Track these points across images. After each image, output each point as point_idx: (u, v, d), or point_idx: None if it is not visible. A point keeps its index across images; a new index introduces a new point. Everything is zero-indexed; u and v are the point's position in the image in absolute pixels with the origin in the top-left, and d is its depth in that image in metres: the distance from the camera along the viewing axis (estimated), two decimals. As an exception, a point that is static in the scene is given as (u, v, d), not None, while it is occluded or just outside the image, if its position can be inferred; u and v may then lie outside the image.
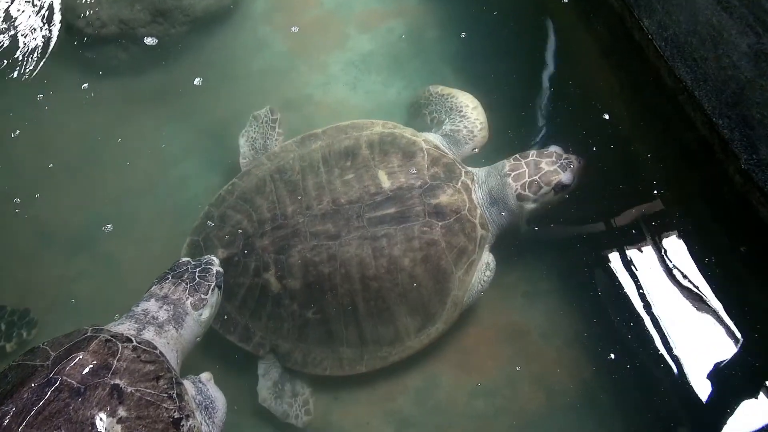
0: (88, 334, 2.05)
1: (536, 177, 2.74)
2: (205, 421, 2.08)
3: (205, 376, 2.28)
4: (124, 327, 2.18)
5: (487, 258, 2.75)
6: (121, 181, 3.16)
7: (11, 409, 1.83)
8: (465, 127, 2.99)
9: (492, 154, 2.99)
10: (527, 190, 2.74)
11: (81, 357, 1.95)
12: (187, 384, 2.14)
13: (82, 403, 1.85)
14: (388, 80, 3.48)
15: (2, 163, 3.16)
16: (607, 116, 3.07)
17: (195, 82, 3.40)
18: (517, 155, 2.83)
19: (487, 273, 2.75)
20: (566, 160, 2.77)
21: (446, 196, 2.70)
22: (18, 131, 3.21)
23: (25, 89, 3.34)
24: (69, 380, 1.89)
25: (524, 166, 2.77)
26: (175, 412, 1.96)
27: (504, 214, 2.80)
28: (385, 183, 2.71)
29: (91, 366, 1.94)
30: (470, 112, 3.02)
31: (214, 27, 3.56)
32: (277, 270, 2.63)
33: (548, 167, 2.74)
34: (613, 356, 2.66)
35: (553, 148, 2.85)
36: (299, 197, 2.73)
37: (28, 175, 3.12)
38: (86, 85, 3.34)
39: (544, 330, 2.83)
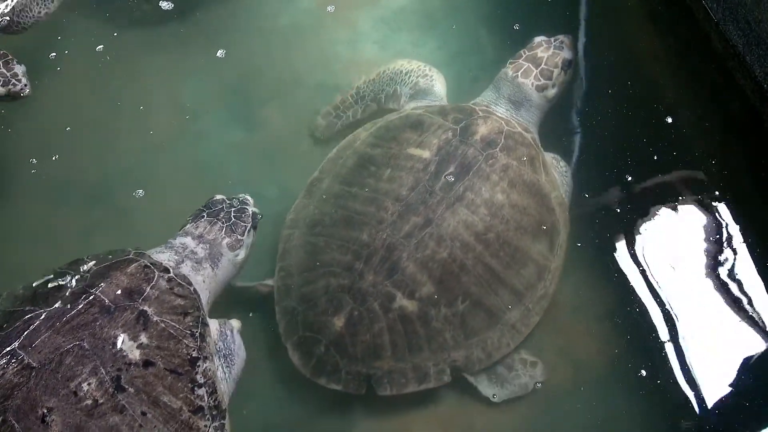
0: (130, 256, 2.15)
1: (543, 65, 2.95)
2: (222, 368, 2.12)
3: (236, 324, 2.31)
4: (165, 257, 2.25)
5: (548, 156, 2.86)
6: (140, 135, 3.16)
7: (43, 313, 1.93)
8: (421, 75, 3.12)
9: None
10: (542, 79, 2.93)
11: (118, 277, 2.04)
12: (213, 327, 2.18)
13: (108, 322, 1.93)
14: (420, 40, 3.45)
15: (21, 122, 3.16)
16: (650, 83, 3.01)
17: (218, 36, 3.40)
18: (511, 59, 3.02)
19: (562, 164, 2.90)
20: (557, 41, 3.00)
21: (481, 126, 2.75)
22: (36, 81, 3.21)
23: (40, 45, 3.35)
24: (102, 297, 1.97)
25: (526, 63, 2.97)
26: (194, 350, 2.01)
27: (533, 110, 2.98)
28: (425, 154, 2.71)
29: (125, 288, 2.02)
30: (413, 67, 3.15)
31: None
32: (402, 291, 2.52)
33: (546, 53, 2.97)
34: (644, 333, 2.64)
35: (538, 39, 3.05)
36: (361, 224, 2.63)
37: (45, 135, 3.13)
38: (101, 47, 3.33)
39: (574, 304, 2.80)
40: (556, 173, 2.84)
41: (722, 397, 2.50)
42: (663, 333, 2.63)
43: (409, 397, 2.51)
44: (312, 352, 2.53)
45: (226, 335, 2.21)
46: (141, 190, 2.90)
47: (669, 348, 2.60)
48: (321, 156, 3.10)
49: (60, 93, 3.20)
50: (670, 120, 2.98)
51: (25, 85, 2.81)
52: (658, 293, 2.69)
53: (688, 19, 2.98)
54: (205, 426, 1.97)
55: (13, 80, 2.78)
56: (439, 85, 3.08)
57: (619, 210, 2.91)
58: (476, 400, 2.59)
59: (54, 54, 3.31)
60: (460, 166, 2.65)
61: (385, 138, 2.84)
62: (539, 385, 2.59)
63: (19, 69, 2.81)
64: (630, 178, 2.93)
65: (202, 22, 3.46)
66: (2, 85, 2.75)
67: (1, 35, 3.08)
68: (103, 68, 3.28)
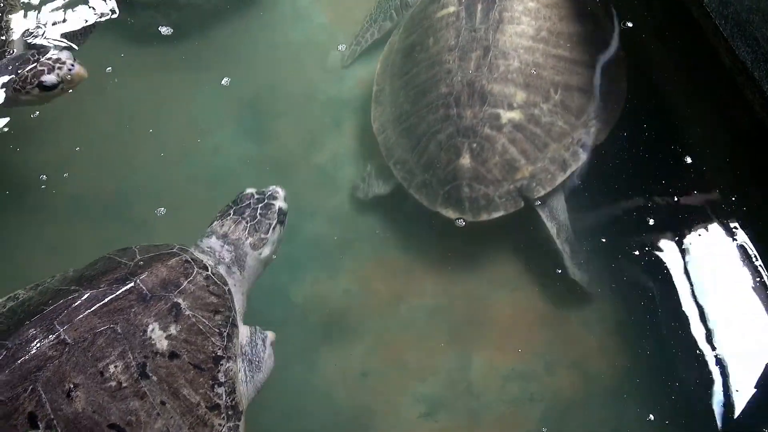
0: (174, 250, 2.26)
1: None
2: (245, 371, 2.21)
3: (270, 335, 2.38)
4: (204, 256, 2.34)
5: None
6: (152, 152, 3.27)
7: (87, 293, 2.04)
8: None
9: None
10: None
11: (159, 268, 2.15)
12: (243, 330, 2.27)
13: (143, 310, 2.03)
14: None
15: (29, 141, 3.25)
16: (658, 98, 3.09)
17: (230, 51, 3.53)
18: None
19: None
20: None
21: None
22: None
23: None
24: (141, 286, 2.08)
25: None
26: (219, 349, 2.11)
27: None
28: (451, 9, 3.02)
29: (163, 279, 2.13)
30: None
31: (255, -5, 3.67)
32: (502, 107, 2.81)
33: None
34: (656, 347, 2.71)
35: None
36: (435, 83, 2.94)
37: (59, 146, 3.23)
38: (110, 68, 3.40)
39: (584, 317, 2.89)
40: None
41: (735, 411, 2.55)
42: (675, 347, 2.70)
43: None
44: (461, 199, 2.85)
45: (256, 343, 2.29)
46: (163, 209, 2.99)
47: (681, 361, 2.67)
48: (333, 171, 3.24)
49: (69, 113, 3.26)
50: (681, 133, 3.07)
51: (72, 66, 2.77)
52: (670, 308, 2.76)
53: (697, 34, 3.06)
54: (220, 424, 2.06)
55: (58, 64, 2.77)
56: None
57: (630, 224, 2.99)
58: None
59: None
60: (485, 0, 2.97)
61: (413, 24, 3.19)
62: None
63: (63, 54, 2.80)
64: (639, 191, 3.01)
65: (214, 37, 3.58)
66: (51, 73, 2.74)
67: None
68: (113, 89, 3.35)
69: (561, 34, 2.94)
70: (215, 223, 2.49)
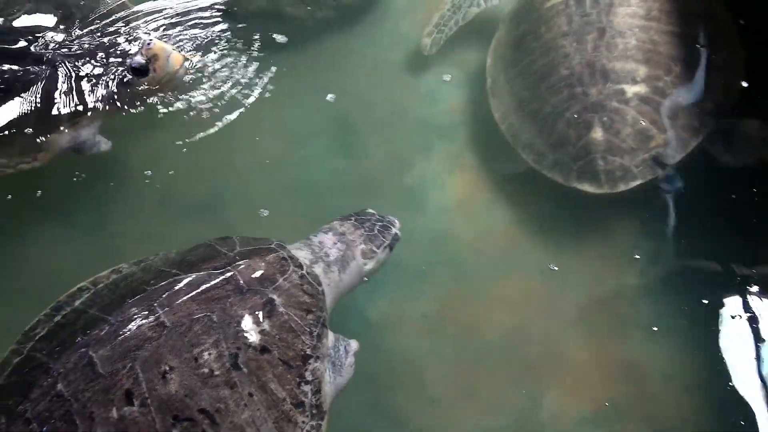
0: (272, 246, 2.33)
1: None
2: (329, 372, 2.25)
3: (354, 344, 2.42)
4: (302, 254, 2.41)
5: None
6: (248, 157, 3.37)
7: (187, 278, 2.12)
8: None
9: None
10: None
11: (257, 262, 2.21)
12: (331, 334, 2.31)
13: (239, 301, 2.09)
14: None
15: (135, 138, 3.36)
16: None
17: (330, 65, 3.62)
18: None
19: None
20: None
21: None
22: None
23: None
24: (239, 277, 2.14)
25: None
26: (309, 348, 2.15)
27: None
28: None
29: (260, 274, 2.18)
30: None
31: (358, 15, 3.78)
32: (626, 83, 2.93)
33: None
34: (739, 416, 2.60)
35: None
36: (554, 67, 3.07)
37: (166, 145, 3.32)
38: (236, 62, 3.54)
39: (665, 370, 2.82)
40: None
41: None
42: (758, 413, 2.60)
43: None
44: (596, 172, 2.94)
45: (339, 348, 2.33)
46: (266, 211, 3.07)
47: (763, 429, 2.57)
48: (420, 193, 3.28)
49: (174, 114, 3.35)
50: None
51: (150, 41, 2.89)
52: (760, 371, 2.67)
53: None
54: (303, 422, 2.09)
55: (140, 44, 2.93)
56: None
57: (720, 270, 2.94)
58: None
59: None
60: None
61: (520, 17, 3.32)
62: None
63: (145, 36, 2.97)
64: (729, 232, 2.96)
65: (315, 51, 3.68)
66: (136, 54, 2.89)
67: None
68: (219, 91, 3.43)
69: (671, 13, 3.04)
70: (335, 221, 2.59)
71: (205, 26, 3.48)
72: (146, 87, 3.00)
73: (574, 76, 3.00)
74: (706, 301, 2.84)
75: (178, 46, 3.28)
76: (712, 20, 3.09)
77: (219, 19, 3.56)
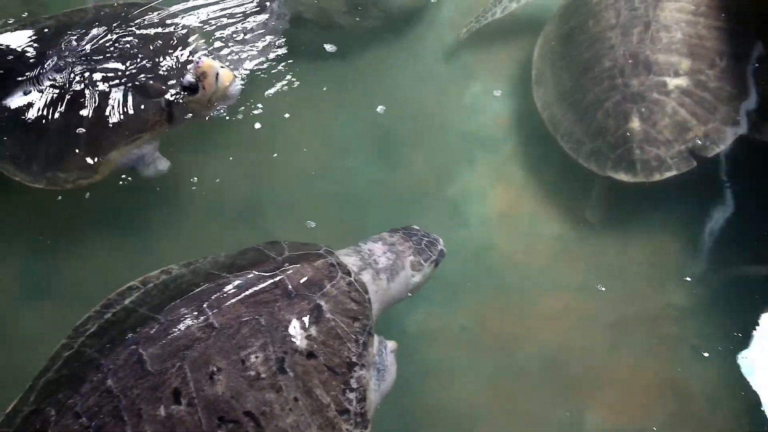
0: (321, 251, 2.35)
1: None
2: (374, 380, 2.26)
3: (392, 344, 2.44)
4: (350, 260, 2.43)
5: None
6: (292, 165, 3.40)
7: (236, 281, 2.15)
8: None
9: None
10: None
11: (305, 267, 2.23)
12: (375, 340, 2.32)
13: (287, 306, 2.11)
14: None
15: (197, 139, 3.43)
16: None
17: (375, 76, 3.66)
18: None
19: None
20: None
21: None
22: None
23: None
24: (287, 282, 2.17)
25: None
26: (354, 356, 2.16)
27: None
28: None
29: (308, 279, 2.20)
30: None
31: (404, 26, 3.81)
32: (668, 75, 2.99)
33: None
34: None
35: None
36: (598, 59, 3.14)
37: (214, 153, 3.40)
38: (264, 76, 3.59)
39: (711, 394, 2.77)
40: None
41: None
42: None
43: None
44: (632, 161, 2.97)
45: (382, 351, 2.34)
46: (312, 222, 3.10)
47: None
48: (462, 206, 3.29)
49: (221, 122, 3.39)
50: None
51: (199, 60, 3.00)
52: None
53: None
54: (347, 429, 2.09)
55: (191, 64, 3.01)
56: None
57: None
58: None
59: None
60: None
61: (570, 12, 3.41)
62: None
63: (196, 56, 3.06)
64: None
65: (361, 61, 3.72)
66: (188, 73, 2.97)
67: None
68: (266, 99, 3.48)
69: (720, 9, 3.07)
70: (385, 233, 2.62)
71: (254, 37, 3.53)
72: (198, 103, 3.06)
73: (616, 68, 3.06)
74: (757, 326, 2.80)
75: (228, 62, 3.35)
76: (761, 18, 3.10)
77: (268, 29, 3.62)
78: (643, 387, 2.81)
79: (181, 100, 3.01)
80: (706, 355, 2.81)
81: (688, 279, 2.98)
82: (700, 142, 2.92)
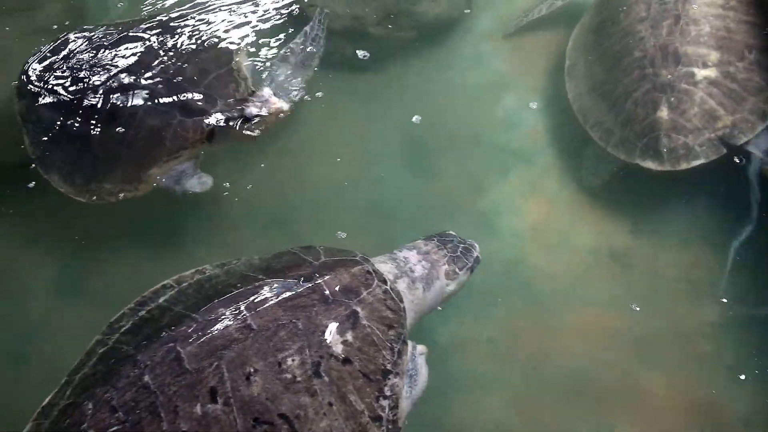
0: (357, 258, 2.37)
1: None
2: (407, 387, 2.26)
3: (421, 348, 2.44)
4: (386, 268, 2.44)
5: None
6: (324, 173, 3.43)
7: (273, 284, 2.17)
8: None
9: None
10: None
11: (342, 273, 2.25)
12: (408, 348, 2.32)
13: (324, 311, 2.13)
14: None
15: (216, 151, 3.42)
16: None
17: (407, 85, 3.68)
18: None
19: None
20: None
21: None
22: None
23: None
24: (324, 287, 2.18)
25: None
26: (389, 363, 2.17)
27: None
28: None
29: (345, 285, 2.22)
30: None
31: (438, 37, 3.83)
32: (696, 67, 3.06)
33: None
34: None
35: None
36: (629, 50, 3.22)
37: (248, 160, 3.43)
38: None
39: (746, 415, 2.73)
40: None
41: None
42: None
43: None
44: (659, 150, 3.03)
45: (414, 356, 2.34)
46: (343, 233, 3.10)
47: None
48: (494, 218, 3.27)
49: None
50: None
51: (269, 100, 3.09)
52: None
53: None
54: None
55: (260, 101, 3.09)
56: None
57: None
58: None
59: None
60: None
61: (603, 5, 3.50)
62: None
63: (265, 91, 3.12)
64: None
65: (394, 71, 3.74)
66: (253, 106, 3.06)
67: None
68: (300, 107, 3.50)
69: (750, 4, 3.15)
70: (419, 240, 2.63)
71: (293, 59, 3.52)
72: (253, 129, 3.11)
73: (646, 59, 3.14)
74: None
75: (286, 92, 3.39)
76: None
77: (304, 53, 3.64)
78: (676, 406, 2.77)
79: (237, 128, 3.05)
80: (742, 377, 2.78)
81: (725, 300, 2.95)
82: (729, 131, 2.98)
